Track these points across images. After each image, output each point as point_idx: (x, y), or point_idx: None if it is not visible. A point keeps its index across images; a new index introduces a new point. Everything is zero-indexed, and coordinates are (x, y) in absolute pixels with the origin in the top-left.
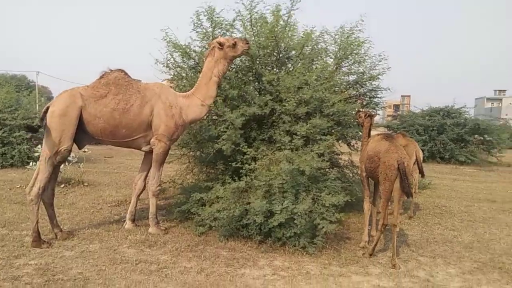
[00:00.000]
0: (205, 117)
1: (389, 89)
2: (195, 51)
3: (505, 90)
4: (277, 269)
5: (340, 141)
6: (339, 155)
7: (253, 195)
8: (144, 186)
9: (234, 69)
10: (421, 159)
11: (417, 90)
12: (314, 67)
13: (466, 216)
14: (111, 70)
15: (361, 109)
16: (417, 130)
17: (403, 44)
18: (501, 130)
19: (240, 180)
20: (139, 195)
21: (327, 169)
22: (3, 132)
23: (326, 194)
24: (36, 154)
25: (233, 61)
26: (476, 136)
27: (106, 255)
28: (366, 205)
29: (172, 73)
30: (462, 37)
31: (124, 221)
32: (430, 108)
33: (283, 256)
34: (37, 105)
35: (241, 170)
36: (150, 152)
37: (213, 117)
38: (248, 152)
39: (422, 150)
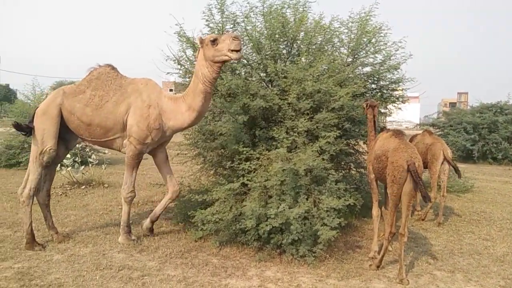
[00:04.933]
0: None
1: (412, 80)
2: None
3: None
4: (266, 280)
5: (357, 140)
6: (353, 155)
7: (249, 198)
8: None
9: (239, 62)
10: (450, 157)
11: (477, 87)
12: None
13: (508, 224)
14: (99, 66)
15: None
16: (465, 128)
17: (463, 36)
18: None
19: (237, 181)
20: (174, 199)
21: (334, 170)
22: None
23: (326, 197)
24: None
25: (222, 66)
26: None
27: (93, 259)
28: (375, 211)
29: (183, 71)
30: None
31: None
32: (481, 104)
33: (278, 266)
34: None
35: (237, 171)
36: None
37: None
38: (245, 152)
39: (471, 150)
